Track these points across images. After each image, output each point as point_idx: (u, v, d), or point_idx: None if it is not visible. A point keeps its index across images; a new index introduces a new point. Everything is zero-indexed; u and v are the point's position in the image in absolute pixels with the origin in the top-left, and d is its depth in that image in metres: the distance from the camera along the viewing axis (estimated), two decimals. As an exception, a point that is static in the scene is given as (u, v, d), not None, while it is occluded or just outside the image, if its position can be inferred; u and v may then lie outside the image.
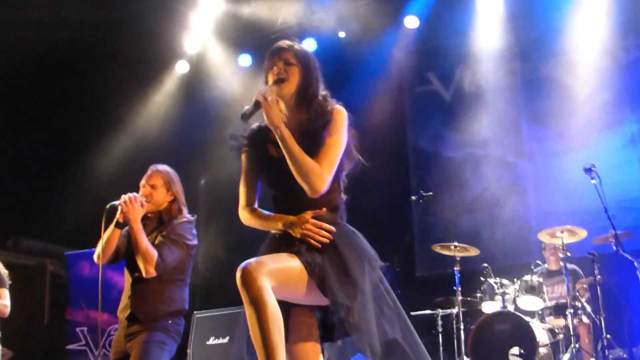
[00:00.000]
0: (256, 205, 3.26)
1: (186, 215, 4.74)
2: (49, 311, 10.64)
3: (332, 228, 3.02)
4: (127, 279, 4.72)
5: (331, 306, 2.94)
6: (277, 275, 2.81)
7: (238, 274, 2.77)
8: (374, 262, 3.07)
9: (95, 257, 4.67)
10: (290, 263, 2.91)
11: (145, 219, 4.72)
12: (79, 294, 8.69)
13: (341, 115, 3.17)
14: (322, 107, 3.19)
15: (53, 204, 9.99)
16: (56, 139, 9.81)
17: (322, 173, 3.03)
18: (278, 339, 2.74)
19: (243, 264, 2.78)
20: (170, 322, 4.55)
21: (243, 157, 3.28)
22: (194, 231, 4.76)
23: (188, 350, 7.34)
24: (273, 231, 3.19)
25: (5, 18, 8.27)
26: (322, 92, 3.25)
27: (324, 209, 3.06)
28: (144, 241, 4.46)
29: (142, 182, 4.77)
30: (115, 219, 4.57)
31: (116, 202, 4.55)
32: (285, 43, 3.27)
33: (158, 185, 4.73)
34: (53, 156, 9.89)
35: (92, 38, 9.02)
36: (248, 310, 2.76)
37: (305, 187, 3.03)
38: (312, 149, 3.06)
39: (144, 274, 4.47)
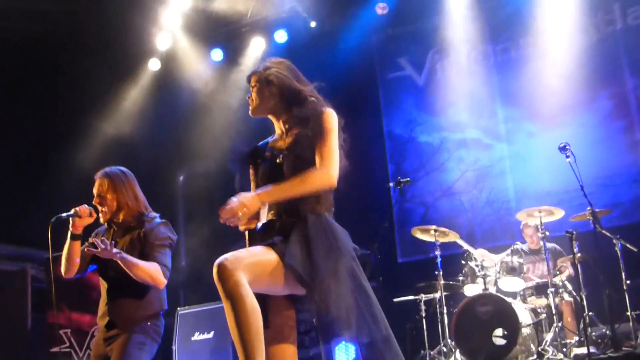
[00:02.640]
0: None
1: (155, 216, 4.69)
2: (31, 315, 10.59)
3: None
4: (102, 285, 4.69)
5: (308, 294, 2.92)
6: (253, 268, 2.80)
7: (214, 269, 2.76)
8: (351, 252, 3.06)
9: (62, 272, 4.63)
10: (266, 255, 2.90)
11: (110, 228, 4.69)
12: (60, 297, 8.64)
13: (331, 116, 3.21)
14: (314, 109, 3.21)
15: (30, 206, 9.92)
16: (30, 138, 9.74)
17: (325, 171, 3.09)
18: (256, 335, 2.73)
19: (219, 259, 2.77)
20: (149, 323, 4.52)
21: (251, 171, 3.33)
22: (171, 228, 4.73)
23: (173, 347, 7.34)
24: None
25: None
26: (311, 93, 3.28)
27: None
28: (140, 266, 4.40)
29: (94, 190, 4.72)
30: (69, 232, 4.50)
31: (63, 214, 4.50)
32: (252, 71, 3.35)
33: (104, 191, 4.67)
34: (27, 157, 9.81)
35: (64, 31, 8.94)
36: (225, 305, 2.75)
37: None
38: (309, 148, 3.13)
39: (159, 287, 4.47)
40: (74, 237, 4.51)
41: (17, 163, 9.80)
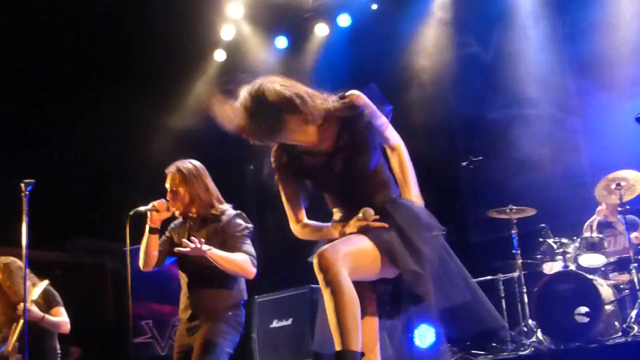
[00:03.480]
0: (305, 219, 3.32)
1: (228, 207, 4.71)
2: (112, 307, 10.84)
3: (385, 225, 3.04)
4: (182, 278, 4.75)
5: (403, 275, 2.98)
6: (351, 258, 2.88)
7: (315, 260, 2.84)
8: (435, 229, 3.12)
9: (141, 266, 4.71)
10: (361, 244, 2.96)
11: (186, 221, 4.74)
12: (140, 288, 8.80)
13: (362, 96, 3.19)
14: (341, 107, 3.17)
15: (107, 201, 10.13)
16: (104, 133, 9.93)
17: (400, 144, 3.28)
18: (353, 323, 2.78)
19: (319, 250, 2.85)
20: (230, 314, 4.57)
21: (276, 178, 3.30)
22: (246, 218, 4.75)
23: (253, 335, 7.41)
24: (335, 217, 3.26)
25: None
26: (320, 97, 3.18)
27: (372, 213, 3.07)
28: (230, 259, 4.45)
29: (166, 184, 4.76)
30: (147, 226, 4.59)
31: (141, 208, 4.57)
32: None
33: (176, 185, 4.69)
34: (102, 152, 10.02)
35: (130, 27, 9.08)
36: (325, 295, 2.83)
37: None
38: (364, 140, 3.14)
39: (249, 277, 4.54)
40: (152, 231, 4.60)
41: (92, 158, 10.02)
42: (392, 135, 3.28)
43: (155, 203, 4.61)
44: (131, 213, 4.59)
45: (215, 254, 4.38)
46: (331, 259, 2.81)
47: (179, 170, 4.70)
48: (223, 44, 9.86)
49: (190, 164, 4.76)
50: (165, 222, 4.78)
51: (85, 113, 9.35)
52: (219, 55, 9.94)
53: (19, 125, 9.31)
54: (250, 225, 4.67)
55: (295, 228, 3.32)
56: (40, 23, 8.87)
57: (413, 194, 3.22)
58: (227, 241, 4.54)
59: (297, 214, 3.32)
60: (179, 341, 4.71)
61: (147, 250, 4.65)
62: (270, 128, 3.06)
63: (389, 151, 3.30)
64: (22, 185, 5.41)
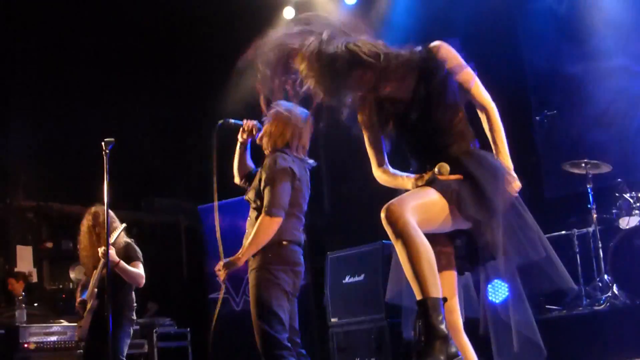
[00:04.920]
0: (387, 164, 3.35)
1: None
2: (187, 265, 11.09)
3: (459, 176, 3.03)
4: None
5: (473, 228, 3.00)
6: (419, 210, 2.87)
7: (382, 214, 2.84)
8: (510, 178, 3.09)
9: (236, 180, 5.10)
10: (428, 195, 2.96)
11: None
12: (215, 246, 8.96)
13: (445, 48, 3.17)
14: (418, 58, 3.15)
15: (180, 161, 10.31)
16: (180, 95, 10.09)
17: (490, 105, 3.24)
18: (429, 270, 2.78)
19: (386, 205, 2.85)
20: (270, 255, 4.65)
21: (359, 121, 3.31)
22: (286, 158, 4.81)
23: (325, 291, 7.51)
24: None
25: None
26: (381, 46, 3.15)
27: (447, 168, 3.06)
28: (258, 239, 4.66)
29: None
30: (239, 141, 4.97)
31: (230, 120, 4.89)
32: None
33: (275, 121, 4.85)
34: (176, 115, 10.18)
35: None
36: (397, 247, 2.83)
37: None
38: (439, 95, 3.12)
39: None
40: (241, 145, 4.99)
41: (166, 121, 10.20)
42: (481, 95, 3.22)
43: (244, 121, 4.93)
44: (220, 122, 4.85)
45: (248, 249, 4.71)
46: (398, 211, 2.81)
47: (284, 108, 4.82)
48: (292, 1, 9.84)
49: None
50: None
51: (162, 74, 9.52)
52: (288, 13, 9.92)
53: (98, 87, 9.53)
54: (287, 165, 4.76)
55: (376, 172, 3.36)
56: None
57: (503, 156, 3.18)
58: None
59: (378, 159, 3.34)
60: None
61: (240, 162, 5.06)
62: (340, 84, 3.08)
63: (478, 110, 3.26)
64: (103, 144, 5.55)
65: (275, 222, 4.63)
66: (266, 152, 4.88)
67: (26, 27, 9.19)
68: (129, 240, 6.24)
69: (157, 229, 11.18)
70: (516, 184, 3.10)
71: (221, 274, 4.73)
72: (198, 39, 9.80)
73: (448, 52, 3.15)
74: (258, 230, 4.61)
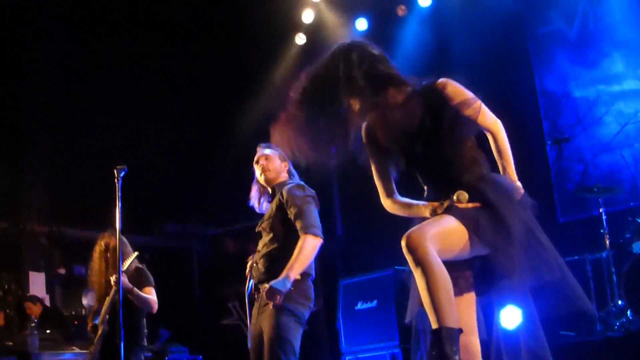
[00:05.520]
0: (396, 194, 3.35)
1: (291, 182, 4.90)
2: (199, 290, 11.07)
3: (476, 204, 3.05)
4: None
5: (491, 253, 3.00)
6: (439, 238, 2.89)
7: (403, 242, 2.88)
8: (525, 202, 3.13)
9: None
10: (448, 223, 2.98)
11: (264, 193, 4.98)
12: (226, 271, 8.97)
13: (451, 84, 3.20)
14: (424, 92, 3.19)
15: (193, 187, 10.34)
16: (189, 120, 10.13)
17: (497, 127, 3.26)
18: (446, 300, 2.80)
19: (407, 232, 2.89)
20: (292, 289, 4.64)
21: (367, 152, 3.34)
22: (305, 187, 4.92)
23: (338, 317, 7.49)
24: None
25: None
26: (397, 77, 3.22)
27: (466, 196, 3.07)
28: (304, 256, 4.66)
29: (255, 159, 4.96)
30: None
31: None
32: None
33: (271, 156, 4.92)
34: (188, 140, 10.23)
35: (215, 13, 9.26)
36: (416, 275, 2.85)
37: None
38: (447, 130, 3.15)
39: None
40: None
41: (178, 146, 10.23)
42: (487, 119, 3.24)
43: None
44: None
45: (291, 273, 4.61)
46: (418, 240, 2.84)
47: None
48: (303, 27, 9.89)
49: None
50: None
51: (173, 100, 9.57)
52: (300, 39, 9.97)
53: (111, 112, 9.60)
54: (312, 193, 4.89)
55: (385, 202, 3.35)
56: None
57: (510, 174, 3.21)
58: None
59: (387, 188, 3.34)
60: (253, 320, 4.85)
61: None
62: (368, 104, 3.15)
63: (486, 133, 3.28)
64: (115, 171, 5.57)
65: (318, 242, 4.70)
66: (270, 185, 4.98)
67: (40, 52, 9.29)
68: (140, 265, 6.24)
69: (169, 255, 11.18)
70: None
71: (277, 298, 4.56)
72: (210, 65, 9.86)
73: (454, 88, 3.18)
74: (303, 248, 4.62)
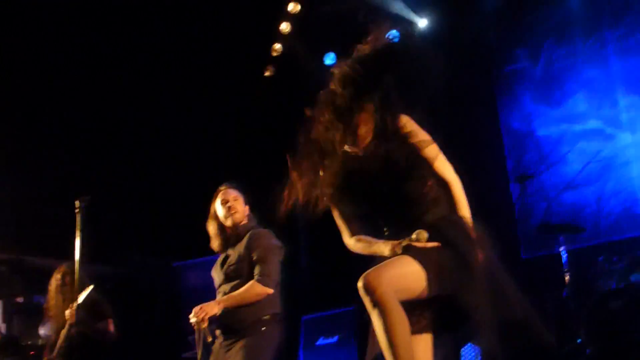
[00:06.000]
0: (358, 233, 3.33)
1: (256, 225, 4.90)
2: (160, 322, 10.92)
3: (436, 244, 3.03)
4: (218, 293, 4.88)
5: (451, 293, 2.98)
6: (397, 280, 2.88)
7: (359, 283, 2.85)
8: (485, 241, 3.12)
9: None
10: (407, 265, 2.95)
11: (225, 237, 4.89)
12: (190, 304, 8.86)
13: (410, 123, 3.26)
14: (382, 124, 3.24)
15: (156, 218, 10.25)
16: (151, 152, 10.06)
17: (452, 180, 3.24)
18: (403, 343, 2.78)
19: (364, 274, 2.86)
20: (263, 328, 4.62)
21: (328, 196, 3.32)
22: (273, 235, 4.95)
23: (299, 353, 7.44)
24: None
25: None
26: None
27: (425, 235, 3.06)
28: (244, 297, 4.68)
29: (220, 198, 4.89)
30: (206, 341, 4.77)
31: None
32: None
33: (239, 197, 4.90)
34: (155, 169, 10.15)
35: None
36: (373, 317, 2.83)
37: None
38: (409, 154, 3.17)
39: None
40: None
41: (141, 177, 10.16)
42: (444, 172, 3.24)
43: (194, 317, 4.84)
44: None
45: (231, 300, 4.70)
46: (375, 282, 2.81)
47: (236, 185, 5.02)
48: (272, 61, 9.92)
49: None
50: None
51: (139, 131, 9.51)
52: (268, 72, 9.99)
53: (73, 141, 9.50)
54: (279, 242, 4.97)
55: (348, 242, 3.33)
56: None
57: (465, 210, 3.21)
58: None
59: (351, 228, 3.33)
60: (215, 356, 4.79)
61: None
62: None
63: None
64: (77, 201, 5.52)
65: (265, 293, 4.70)
66: (236, 227, 4.96)
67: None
68: (99, 297, 6.16)
69: (131, 285, 11.04)
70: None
71: (203, 315, 4.59)
72: (177, 100, 9.83)
73: (412, 127, 3.21)
74: (249, 290, 4.65)
